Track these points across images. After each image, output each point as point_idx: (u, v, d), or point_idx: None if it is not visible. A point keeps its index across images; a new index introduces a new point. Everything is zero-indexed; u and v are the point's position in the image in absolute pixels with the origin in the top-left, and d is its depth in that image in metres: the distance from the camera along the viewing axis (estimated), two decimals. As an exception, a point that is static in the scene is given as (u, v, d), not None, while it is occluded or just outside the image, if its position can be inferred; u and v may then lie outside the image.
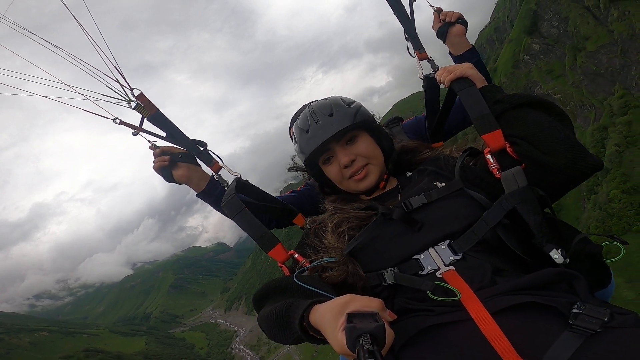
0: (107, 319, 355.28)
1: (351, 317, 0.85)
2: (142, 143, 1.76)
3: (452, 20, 1.90)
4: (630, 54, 49.11)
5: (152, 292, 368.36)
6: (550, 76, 60.70)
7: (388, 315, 0.94)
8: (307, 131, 1.41)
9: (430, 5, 1.98)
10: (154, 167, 1.73)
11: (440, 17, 1.94)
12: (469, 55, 1.90)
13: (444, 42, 1.95)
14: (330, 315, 0.90)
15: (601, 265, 1.12)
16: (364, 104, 1.54)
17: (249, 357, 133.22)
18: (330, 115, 1.40)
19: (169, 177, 1.74)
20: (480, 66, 1.79)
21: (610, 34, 51.93)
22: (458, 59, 1.91)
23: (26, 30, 1.53)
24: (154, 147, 1.74)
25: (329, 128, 1.37)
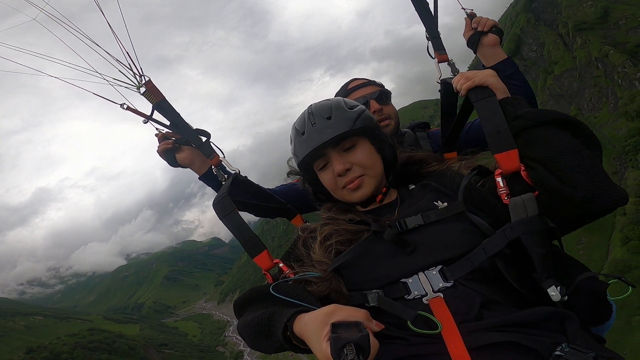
0: (97, 307, 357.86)
1: (336, 327, 0.86)
2: (148, 134, 1.74)
3: (485, 29, 1.72)
4: (585, 78, 57.29)
5: (144, 283, 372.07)
6: (524, 94, 69.01)
7: (375, 325, 0.92)
8: (303, 133, 1.33)
9: (463, 8, 1.77)
10: (158, 151, 1.76)
11: (472, 25, 1.75)
12: (502, 67, 1.71)
13: (475, 53, 1.79)
14: (314, 325, 0.90)
15: (603, 302, 1.06)
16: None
17: (242, 343, 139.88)
18: (329, 118, 1.30)
19: (172, 161, 1.76)
20: (516, 79, 1.69)
21: (574, 59, 60.27)
22: None
23: (57, 19, 1.54)
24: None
25: (324, 132, 1.28)
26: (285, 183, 2.01)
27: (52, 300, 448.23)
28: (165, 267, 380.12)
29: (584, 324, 1.00)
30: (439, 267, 1.09)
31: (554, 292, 0.98)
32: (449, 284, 1.06)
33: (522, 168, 1.11)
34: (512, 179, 1.13)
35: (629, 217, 44.18)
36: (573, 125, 1.12)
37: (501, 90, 1.24)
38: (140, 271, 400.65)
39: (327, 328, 0.86)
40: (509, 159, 1.12)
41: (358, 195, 1.32)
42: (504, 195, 1.11)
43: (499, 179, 1.13)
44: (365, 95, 1.98)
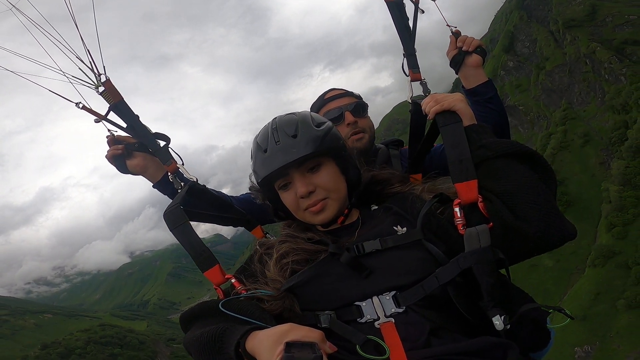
0: (103, 305, 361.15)
1: (290, 346, 0.86)
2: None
3: (470, 49, 1.69)
4: (575, 74, 59.62)
5: (149, 280, 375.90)
6: (518, 90, 71.44)
7: (328, 347, 0.94)
8: (265, 150, 1.26)
9: (448, 25, 1.77)
10: (106, 156, 1.65)
11: (457, 44, 1.73)
12: (482, 89, 1.71)
13: (457, 73, 1.77)
14: (268, 343, 0.91)
15: (543, 330, 1.12)
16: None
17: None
18: (294, 136, 1.24)
19: (122, 167, 1.67)
20: (493, 102, 1.71)
21: (564, 55, 62.59)
22: (469, 93, 1.72)
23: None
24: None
25: (289, 152, 1.22)
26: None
27: (59, 299, 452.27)
28: (169, 264, 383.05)
29: (523, 351, 1.08)
30: (393, 292, 1.11)
31: (497, 322, 1.03)
32: (400, 310, 1.08)
33: (480, 199, 1.14)
34: (469, 209, 1.16)
35: (614, 204, 46.67)
36: (533, 159, 1.16)
37: (468, 117, 1.24)
38: (145, 268, 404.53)
39: (281, 347, 0.87)
40: (468, 189, 1.15)
41: (320, 218, 1.30)
42: (460, 225, 1.14)
43: (457, 209, 1.16)
44: (341, 106, 1.98)
